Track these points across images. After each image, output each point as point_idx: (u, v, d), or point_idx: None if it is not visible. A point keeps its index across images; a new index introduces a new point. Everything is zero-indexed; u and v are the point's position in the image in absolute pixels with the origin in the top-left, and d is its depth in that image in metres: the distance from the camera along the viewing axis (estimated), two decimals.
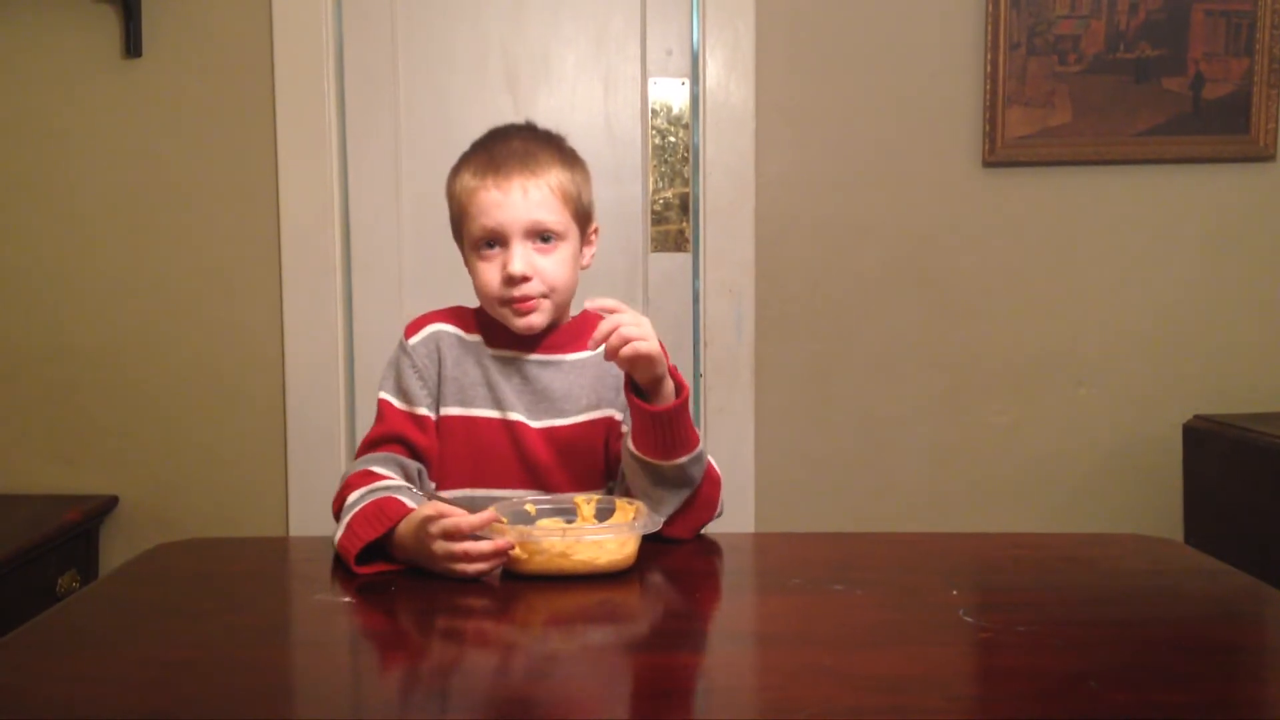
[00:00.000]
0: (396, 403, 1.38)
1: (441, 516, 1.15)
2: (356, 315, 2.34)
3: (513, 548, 1.15)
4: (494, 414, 1.37)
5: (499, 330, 1.39)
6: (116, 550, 2.28)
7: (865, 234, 2.29)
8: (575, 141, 1.44)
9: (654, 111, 2.31)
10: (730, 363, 2.30)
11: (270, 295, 2.28)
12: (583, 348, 1.40)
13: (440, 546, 1.15)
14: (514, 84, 2.31)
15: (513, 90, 2.31)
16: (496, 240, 1.34)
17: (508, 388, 1.37)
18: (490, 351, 1.39)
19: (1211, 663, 0.98)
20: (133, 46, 2.22)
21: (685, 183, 2.32)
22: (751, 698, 0.94)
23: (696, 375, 2.33)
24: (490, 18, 2.30)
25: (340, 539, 1.22)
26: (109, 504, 2.28)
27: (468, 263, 1.39)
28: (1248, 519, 2.04)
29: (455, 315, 1.43)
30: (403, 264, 2.33)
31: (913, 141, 2.28)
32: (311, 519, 2.25)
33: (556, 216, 1.35)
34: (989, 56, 2.23)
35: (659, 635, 1.08)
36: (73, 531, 2.15)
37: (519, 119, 1.45)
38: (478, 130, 1.44)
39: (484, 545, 1.14)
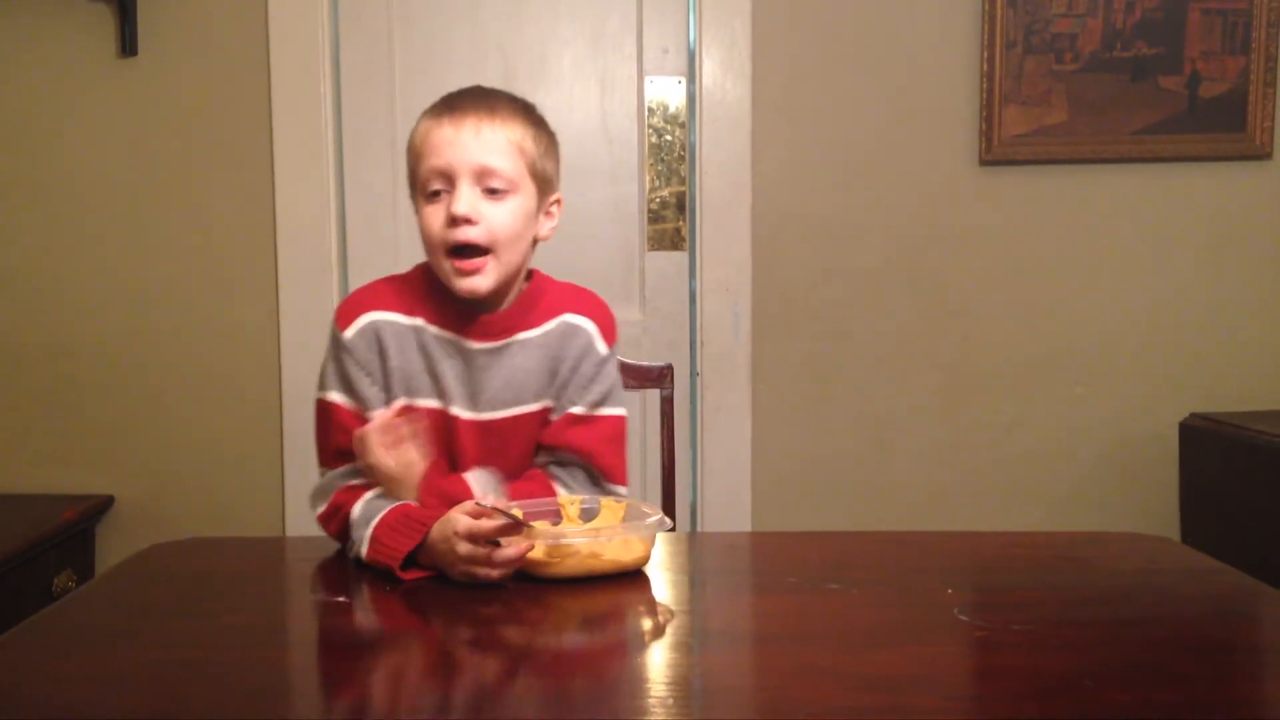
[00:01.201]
0: (349, 405, 1.29)
1: (475, 517, 1.13)
2: None
3: (530, 549, 1.14)
4: (435, 404, 1.31)
5: (442, 308, 1.32)
6: (113, 550, 2.27)
7: (862, 232, 2.29)
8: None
9: (650, 110, 2.31)
10: (727, 361, 2.30)
11: (267, 295, 2.27)
12: (531, 325, 1.33)
13: (465, 548, 1.13)
14: (511, 83, 2.29)
15: (509, 89, 2.29)
16: (444, 182, 1.27)
17: (450, 375, 1.31)
18: (433, 332, 1.31)
19: (1208, 661, 0.98)
20: (128, 46, 2.22)
21: (682, 181, 2.32)
22: (749, 698, 0.94)
23: (693, 374, 2.33)
24: (487, 17, 2.30)
25: (369, 552, 1.19)
26: (105, 504, 2.28)
27: (418, 213, 1.32)
28: (1244, 517, 2.04)
29: (394, 294, 1.34)
30: (399, 263, 2.28)
31: (909, 140, 2.28)
32: (308, 519, 2.23)
33: (509, 163, 1.26)
34: (985, 55, 2.23)
35: (656, 635, 1.08)
36: (69, 531, 2.14)
37: None
38: None
39: (509, 552, 1.12)
